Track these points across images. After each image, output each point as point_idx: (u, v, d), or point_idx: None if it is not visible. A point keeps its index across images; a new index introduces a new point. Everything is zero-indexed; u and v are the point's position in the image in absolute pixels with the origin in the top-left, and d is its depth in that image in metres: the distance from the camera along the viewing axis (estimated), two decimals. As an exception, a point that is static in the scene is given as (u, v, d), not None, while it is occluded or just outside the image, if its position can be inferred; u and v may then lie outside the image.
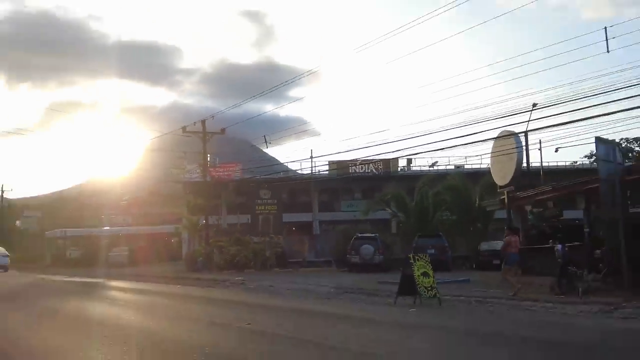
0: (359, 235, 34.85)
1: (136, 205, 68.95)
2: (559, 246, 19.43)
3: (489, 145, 26.00)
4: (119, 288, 25.26)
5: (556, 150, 37.27)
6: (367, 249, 33.09)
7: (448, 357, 8.77)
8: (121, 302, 19.66)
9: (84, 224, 64.66)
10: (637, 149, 53.97)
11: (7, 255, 45.75)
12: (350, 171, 50.27)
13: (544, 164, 41.67)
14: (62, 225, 64.67)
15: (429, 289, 15.99)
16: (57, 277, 33.77)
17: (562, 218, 32.60)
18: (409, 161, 48.99)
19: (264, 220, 47.99)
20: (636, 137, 52.16)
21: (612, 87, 19.61)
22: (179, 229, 49.57)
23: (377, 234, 35.89)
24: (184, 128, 41.39)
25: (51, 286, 26.55)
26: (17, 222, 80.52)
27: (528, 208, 26.89)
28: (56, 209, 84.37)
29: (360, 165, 49.99)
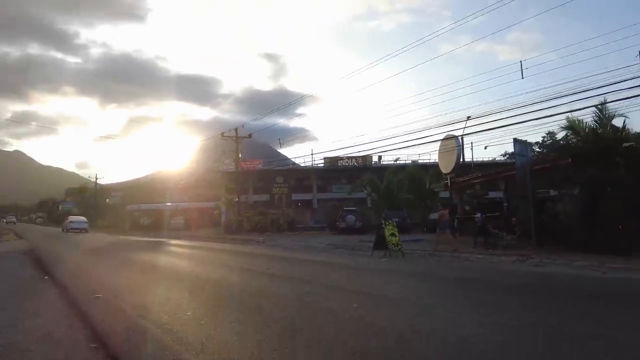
0: (345, 209, 34.98)
1: (189, 188, 68.69)
2: (478, 215, 19.49)
3: (437, 145, 25.81)
4: (176, 245, 25.01)
5: (485, 148, 37.12)
6: (351, 218, 33.35)
7: (414, 290, 8.54)
8: (178, 254, 19.39)
9: (153, 201, 64.44)
10: (537, 149, 53.60)
11: (86, 222, 46.53)
12: (339, 164, 50.48)
13: (475, 159, 41.74)
14: (137, 202, 64.55)
15: (396, 245, 15.82)
16: (133, 238, 33.48)
17: (487, 196, 32.46)
18: (380, 157, 48.97)
19: (278, 198, 48.11)
20: (537, 141, 52.04)
21: (524, 103, 19.41)
22: (219, 204, 49.37)
23: (357, 208, 36.07)
24: (222, 134, 41.37)
25: (129, 244, 26.26)
26: (107, 200, 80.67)
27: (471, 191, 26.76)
28: (134, 191, 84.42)
29: (345, 160, 50.19)
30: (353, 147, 37.10)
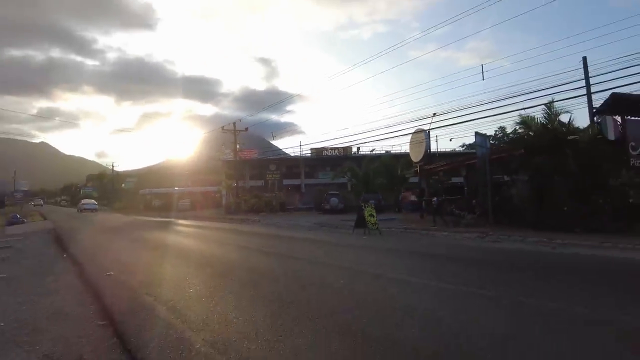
0: (329, 192, 34.55)
1: (194, 174, 67.59)
2: (435, 198, 19.40)
3: (408, 137, 25.56)
4: (182, 224, 24.44)
5: (450, 140, 37.30)
6: (334, 200, 32.94)
7: (392, 262, 8.25)
8: (183, 232, 18.88)
9: (162, 186, 63.30)
10: (491, 141, 53.74)
11: (95, 204, 49.98)
12: (324, 154, 50.04)
13: (440, 149, 41.51)
14: (149, 187, 63.36)
15: (374, 224, 15.55)
16: (145, 218, 32.72)
17: (449, 182, 32.39)
18: (359, 148, 48.50)
19: (271, 184, 47.52)
20: (491, 135, 52.20)
21: (482, 102, 19.22)
22: (220, 188, 48.64)
23: (339, 192, 35.67)
24: (222, 127, 40.56)
25: (141, 223, 25.62)
26: (123, 185, 79.16)
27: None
28: (146, 177, 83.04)
29: (329, 150, 49.77)
30: (336, 139, 36.83)
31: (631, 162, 13.98)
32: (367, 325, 4.13)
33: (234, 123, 39.92)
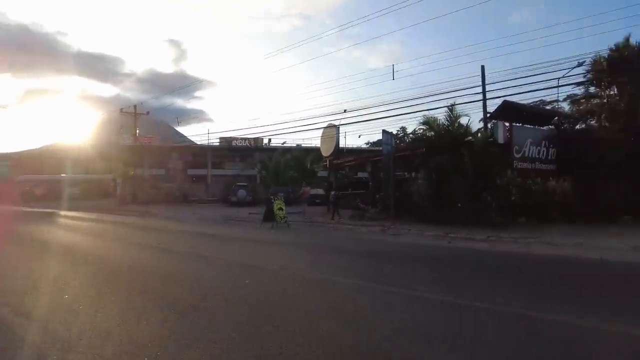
0: (237, 184, 33.41)
1: (87, 160, 61.04)
2: (332, 192, 19.72)
3: (319, 132, 25.65)
4: (69, 217, 21.66)
5: (359, 137, 38.22)
6: (242, 192, 31.94)
7: (297, 256, 7.92)
8: (68, 226, 16.64)
9: (48, 172, 55.97)
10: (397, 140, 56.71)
11: None
12: (233, 144, 48.30)
13: (349, 145, 42.73)
14: (32, 172, 55.67)
15: (283, 218, 15.18)
16: (25, 209, 28.40)
17: (356, 176, 33.41)
18: (270, 140, 47.72)
19: (174, 173, 44.66)
20: (394, 133, 55.08)
21: (392, 101, 19.86)
22: (115, 176, 44.45)
23: (248, 184, 34.70)
24: (121, 109, 36.99)
25: (17, 215, 22.18)
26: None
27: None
28: (28, 161, 72.78)
29: (239, 140, 48.15)
30: (247, 129, 35.76)
31: (515, 164, 15.53)
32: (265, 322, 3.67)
33: (135, 106, 36.64)
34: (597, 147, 14.73)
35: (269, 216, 15.24)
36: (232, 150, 51.53)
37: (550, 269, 7.32)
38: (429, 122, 16.13)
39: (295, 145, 45.89)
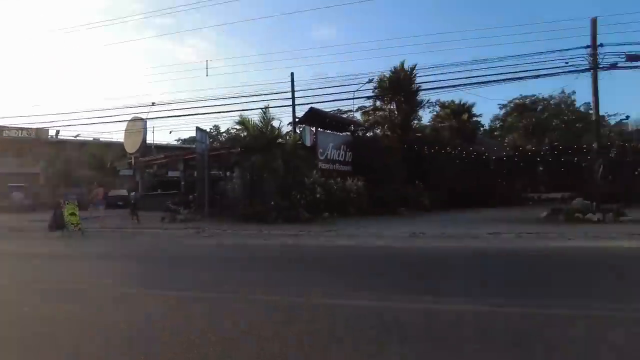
0: (11, 185, 27.18)
1: None
2: (132, 193, 18.53)
3: (122, 125, 22.96)
4: None
5: (170, 133, 35.77)
6: (18, 194, 26.11)
7: (89, 273, 6.79)
8: None
9: None
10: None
11: None
12: (4, 134, 38.42)
13: (157, 141, 39.38)
14: None
15: (76, 224, 12.96)
16: None
17: (167, 176, 31.27)
18: (58, 132, 39.97)
19: None
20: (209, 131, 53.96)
21: (206, 98, 19.26)
22: None
23: (27, 184, 28.51)
24: None
25: None
26: None
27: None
28: None
29: (13, 130, 38.61)
30: (25, 117, 29.06)
31: (319, 165, 17.18)
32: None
33: None
34: (382, 154, 17.69)
35: (58, 222, 12.81)
36: (3, 143, 41.36)
37: (352, 256, 8.29)
38: (244, 123, 16.32)
39: (92, 138, 40.05)
